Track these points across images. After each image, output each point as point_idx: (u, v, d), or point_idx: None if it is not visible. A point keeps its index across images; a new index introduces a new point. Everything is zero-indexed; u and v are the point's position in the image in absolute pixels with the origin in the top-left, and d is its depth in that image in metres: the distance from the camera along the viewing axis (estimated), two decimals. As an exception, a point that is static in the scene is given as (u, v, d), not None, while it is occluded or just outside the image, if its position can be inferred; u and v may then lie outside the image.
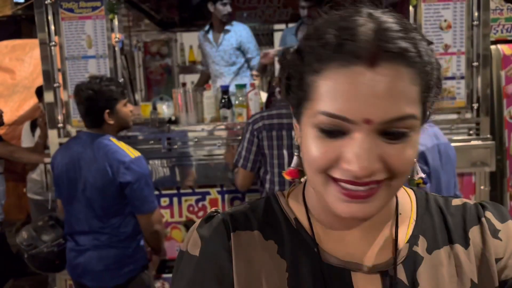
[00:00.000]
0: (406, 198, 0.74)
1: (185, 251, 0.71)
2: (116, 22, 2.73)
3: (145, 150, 2.73)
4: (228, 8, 3.60)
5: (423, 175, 0.70)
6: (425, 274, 0.68)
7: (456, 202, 0.75)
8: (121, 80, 2.75)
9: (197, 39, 4.04)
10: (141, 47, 4.73)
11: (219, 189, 2.80)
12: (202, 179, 2.75)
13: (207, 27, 3.80)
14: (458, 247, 0.70)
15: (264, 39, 5.14)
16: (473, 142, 2.66)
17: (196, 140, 2.75)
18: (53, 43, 2.68)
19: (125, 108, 2.22)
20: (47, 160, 2.76)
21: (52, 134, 2.72)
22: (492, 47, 2.84)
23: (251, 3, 4.68)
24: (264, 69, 3.33)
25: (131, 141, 2.72)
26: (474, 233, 0.71)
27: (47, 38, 2.68)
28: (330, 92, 0.58)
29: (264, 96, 2.90)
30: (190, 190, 2.80)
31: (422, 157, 1.80)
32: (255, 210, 0.73)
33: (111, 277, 2.15)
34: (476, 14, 2.64)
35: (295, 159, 0.72)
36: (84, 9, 2.69)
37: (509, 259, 0.70)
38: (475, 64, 2.67)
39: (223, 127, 2.77)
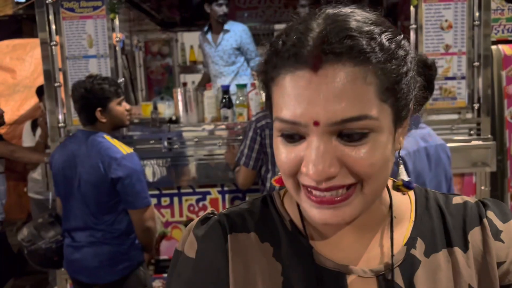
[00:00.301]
0: (404, 197, 0.72)
1: (181, 252, 0.71)
2: (117, 21, 2.73)
3: (146, 149, 2.73)
4: (223, 9, 3.59)
5: (406, 179, 0.68)
6: (423, 278, 0.66)
7: (456, 200, 0.73)
8: (121, 79, 2.75)
9: (198, 39, 4.04)
10: (142, 47, 4.73)
11: (219, 188, 2.80)
12: (202, 179, 2.75)
13: (206, 28, 3.80)
14: (457, 250, 0.68)
15: (264, 39, 5.13)
16: (473, 142, 2.66)
17: (196, 140, 2.75)
18: (54, 42, 2.69)
19: (119, 107, 2.23)
20: (48, 159, 2.77)
21: (53, 133, 2.72)
22: (493, 47, 2.83)
23: (252, 3, 4.68)
24: None
25: (132, 141, 2.72)
26: (474, 235, 0.69)
27: (48, 37, 2.68)
28: (281, 99, 0.58)
29: (264, 96, 2.90)
30: (190, 190, 2.80)
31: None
32: (251, 211, 0.72)
33: (106, 273, 2.18)
34: (477, 14, 2.64)
35: None
36: (85, 9, 2.69)
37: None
38: (476, 64, 2.66)
39: (223, 127, 2.77)
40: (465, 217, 0.70)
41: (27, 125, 3.65)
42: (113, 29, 2.73)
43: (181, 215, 2.81)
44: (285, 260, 0.68)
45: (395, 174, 0.69)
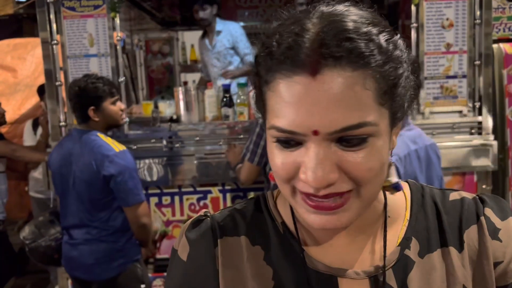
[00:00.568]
0: (400, 195, 0.70)
1: (177, 251, 0.71)
2: (117, 20, 2.73)
3: (147, 148, 2.73)
4: (200, 15, 3.59)
5: (395, 180, 0.67)
6: (416, 279, 0.64)
7: (454, 196, 0.70)
8: (122, 78, 2.75)
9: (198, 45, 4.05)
10: (143, 46, 4.73)
11: (220, 187, 2.80)
12: (203, 178, 2.75)
13: (202, 33, 3.82)
14: (452, 250, 0.66)
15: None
16: (475, 141, 2.66)
17: (197, 138, 2.74)
18: (55, 41, 2.68)
19: (113, 107, 2.25)
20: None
21: (54, 132, 2.72)
22: (494, 46, 2.83)
23: (253, 2, 4.68)
24: None
25: (133, 140, 2.72)
26: (470, 234, 0.67)
27: (49, 36, 2.68)
28: (277, 105, 0.56)
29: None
30: (191, 189, 2.80)
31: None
32: (243, 213, 0.71)
33: (102, 270, 2.21)
34: (478, 13, 2.63)
35: None
36: (86, 8, 2.69)
37: (510, 263, 0.66)
38: (477, 63, 2.66)
39: (224, 126, 2.77)
40: (462, 215, 0.68)
41: (28, 124, 3.65)
42: (114, 28, 2.72)
43: (182, 214, 2.81)
44: (276, 264, 0.67)
45: None
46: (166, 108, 3.10)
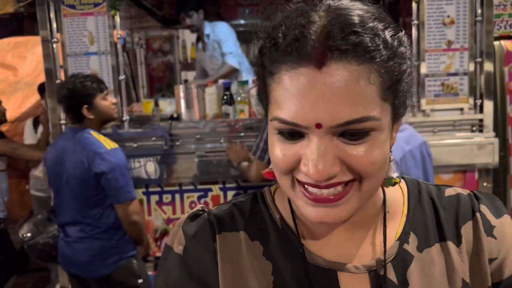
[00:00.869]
0: (397, 191, 0.71)
1: (171, 247, 0.70)
2: (118, 18, 2.73)
3: (147, 146, 2.73)
4: (187, 22, 3.58)
5: (397, 174, 0.67)
6: (416, 273, 0.65)
7: (449, 192, 0.72)
8: (122, 76, 2.75)
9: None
10: (143, 44, 4.72)
11: (221, 185, 2.80)
12: (204, 176, 2.75)
13: (196, 38, 3.82)
14: (450, 245, 0.67)
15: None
16: (476, 139, 2.66)
17: (198, 136, 2.74)
18: (55, 40, 2.68)
19: (105, 102, 2.28)
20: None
21: (54, 131, 2.72)
22: (496, 43, 2.82)
23: (253, 0, 4.66)
24: None
25: (133, 138, 2.72)
26: (467, 229, 0.68)
27: (49, 35, 2.68)
28: (281, 97, 0.56)
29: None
30: (192, 187, 2.80)
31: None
32: (241, 209, 0.71)
33: (97, 267, 2.23)
34: (479, 10, 2.62)
35: None
36: (85, 6, 2.69)
37: (504, 260, 0.67)
38: (478, 60, 2.65)
39: (225, 123, 2.76)
40: (458, 210, 0.69)
41: (29, 123, 3.65)
42: (114, 26, 2.72)
43: (182, 212, 2.81)
44: (275, 259, 0.67)
45: None
46: (166, 106, 3.10)
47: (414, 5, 2.65)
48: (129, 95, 3.84)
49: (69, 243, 2.27)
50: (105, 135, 2.34)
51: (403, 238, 0.67)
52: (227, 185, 2.80)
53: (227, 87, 2.83)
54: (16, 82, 4.18)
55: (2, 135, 3.32)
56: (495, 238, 0.68)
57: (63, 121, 2.72)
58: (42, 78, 3.09)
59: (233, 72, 3.54)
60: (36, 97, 3.87)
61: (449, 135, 2.68)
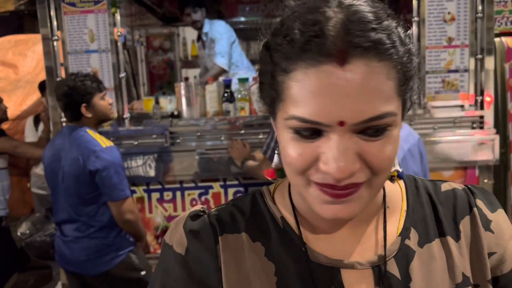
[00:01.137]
0: (395, 186, 0.71)
1: (171, 246, 0.69)
2: (118, 16, 2.73)
3: (148, 144, 2.73)
4: (193, 17, 3.59)
5: (398, 169, 0.67)
6: (418, 269, 0.66)
7: (445, 187, 0.72)
8: (123, 74, 2.75)
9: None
10: (144, 42, 4.72)
11: (222, 183, 2.80)
12: (205, 173, 2.75)
13: (197, 36, 3.82)
14: (450, 240, 0.68)
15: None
16: (476, 135, 2.66)
17: (198, 134, 2.75)
18: (56, 37, 2.68)
19: (102, 102, 2.30)
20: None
21: (55, 129, 2.72)
22: (496, 39, 2.82)
23: (254, -3, 4.66)
24: None
25: (134, 135, 2.72)
26: (465, 224, 0.69)
27: (49, 33, 2.68)
28: (300, 95, 0.54)
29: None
30: (193, 184, 2.81)
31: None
32: (241, 210, 0.70)
33: (95, 265, 2.24)
34: (480, 7, 2.62)
35: (275, 157, 0.68)
36: (86, 3, 2.69)
37: (503, 255, 0.68)
38: (479, 57, 2.65)
39: (225, 121, 2.77)
40: (455, 205, 0.70)
41: (30, 121, 3.66)
42: (114, 24, 2.72)
43: (183, 209, 2.81)
44: (277, 259, 0.66)
45: None
46: (167, 104, 3.10)
47: (414, 1, 2.64)
48: (130, 92, 3.84)
49: (66, 243, 2.28)
50: (105, 133, 2.35)
51: (404, 234, 0.67)
52: (228, 183, 2.80)
53: (227, 85, 2.83)
54: (17, 80, 4.18)
55: (3, 133, 3.32)
56: (493, 233, 0.69)
57: (63, 119, 2.72)
58: (42, 76, 3.10)
59: (222, 73, 3.55)
60: (36, 95, 3.87)
61: (449, 132, 2.68)
